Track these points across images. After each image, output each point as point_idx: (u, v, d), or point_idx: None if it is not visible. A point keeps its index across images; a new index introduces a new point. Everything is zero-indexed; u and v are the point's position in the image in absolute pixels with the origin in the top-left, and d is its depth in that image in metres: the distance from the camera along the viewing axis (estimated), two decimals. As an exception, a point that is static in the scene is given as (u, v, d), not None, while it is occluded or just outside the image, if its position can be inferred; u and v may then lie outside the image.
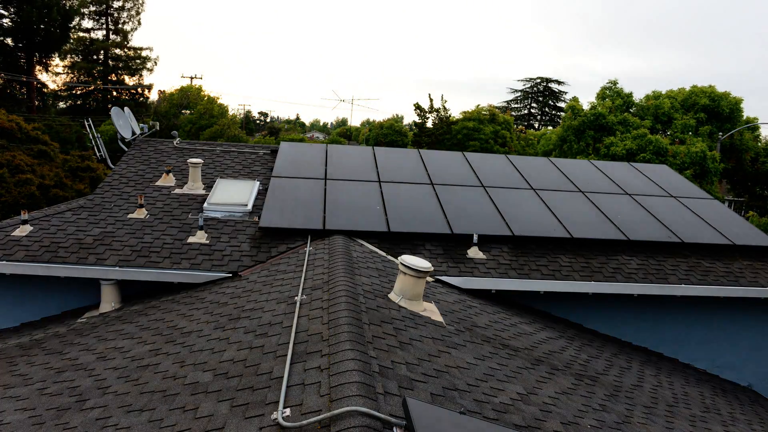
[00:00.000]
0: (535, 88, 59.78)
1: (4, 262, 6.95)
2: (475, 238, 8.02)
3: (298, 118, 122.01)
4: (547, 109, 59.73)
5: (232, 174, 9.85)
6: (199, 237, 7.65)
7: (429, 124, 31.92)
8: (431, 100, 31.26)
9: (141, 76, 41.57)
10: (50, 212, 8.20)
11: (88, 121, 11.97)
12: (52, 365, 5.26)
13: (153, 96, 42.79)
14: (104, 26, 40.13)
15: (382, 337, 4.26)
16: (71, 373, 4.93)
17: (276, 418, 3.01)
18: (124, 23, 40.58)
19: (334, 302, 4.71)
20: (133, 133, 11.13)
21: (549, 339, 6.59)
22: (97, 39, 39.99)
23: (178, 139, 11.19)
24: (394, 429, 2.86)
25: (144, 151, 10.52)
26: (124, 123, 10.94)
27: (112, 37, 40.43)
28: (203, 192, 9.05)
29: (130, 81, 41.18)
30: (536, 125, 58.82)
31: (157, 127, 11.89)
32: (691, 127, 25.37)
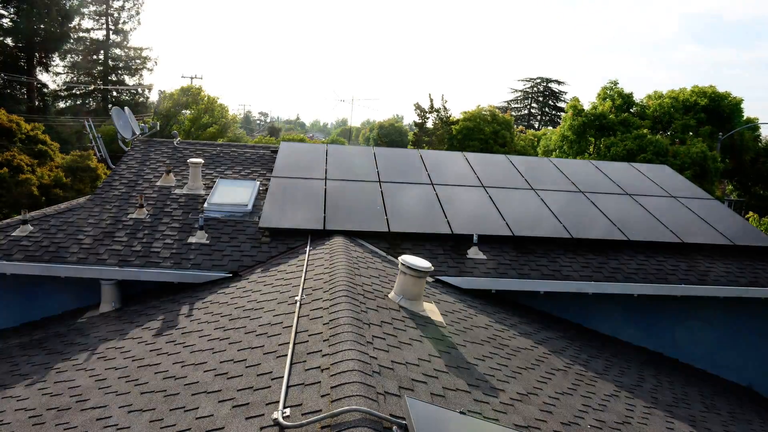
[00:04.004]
0: (535, 88, 59.82)
1: (4, 262, 6.95)
2: (475, 238, 8.02)
3: (298, 118, 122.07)
4: (547, 109, 59.76)
5: (232, 174, 9.86)
6: (200, 237, 7.65)
7: (429, 124, 31.92)
8: (431, 100, 31.26)
9: (141, 76, 41.62)
10: (50, 212, 8.20)
11: (88, 122, 11.97)
12: (52, 365, 5.26)
13: (153, 96, 42.82)
14: (104, 26, 40.13)
15: (382, 337, 4.26)
16: (71, 372, 4.93)
17: (276, 418, 3.02)
18: (124, 23, 40.63)
19: (334, 302, 4.71)
20: (133, 133, 11.12)
21: (549, 339, 6.59)
22: (97, 39, 40.01)
23: (178, 139, 11.19)
24: (394, 429, 2.87)
25: (144, 151, 10.52)
26: (124, 123, 10.94)
27: (112, 37, 40.44)
28: (203, 192, 9.05)
29: (130, 81, 41.21)
30: (536, 125, 58.84)
31: (157, 127, 11.89)
32: (692, 128, 25.39)
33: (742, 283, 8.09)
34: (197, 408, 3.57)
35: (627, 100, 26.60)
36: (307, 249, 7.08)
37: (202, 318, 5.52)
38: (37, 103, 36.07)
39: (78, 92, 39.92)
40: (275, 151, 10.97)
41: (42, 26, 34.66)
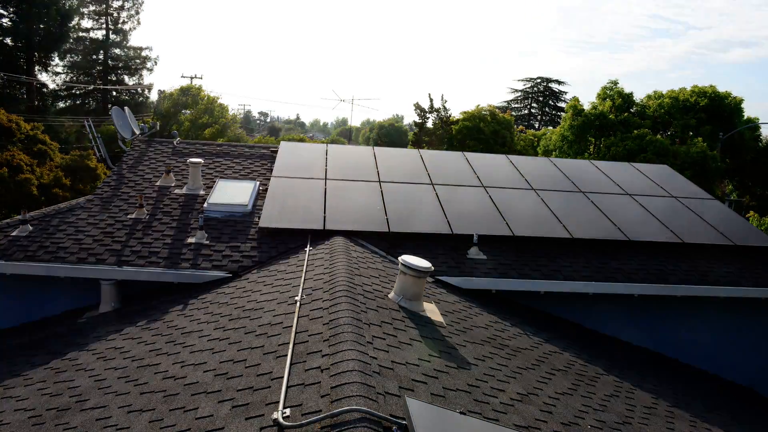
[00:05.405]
0: (535, 88, 59.79)
1: (4, 262, 6.94)
2: (475, 238, 8.01)
3: (298, 118, 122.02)
4: (547, 109, 59.73)
5: (232, 174, 9.85)
6: (199, 237, 7.64)
7: (429, 124, 31.89)
8: (431, 100, 31.21)
9: (141, 76, 41.58)
10: (50, 212, 8.20)
11: (88, 122, 11.97)
12: (52, 365, 5.26)
13: (153, 96, 42.79)
14: (104, 26, 40.09)
15: (382, 337, 4.26)
16: (71, 373, 4.93)
17: (276, 419, 3.01)
18: (123, 23, 40.58)
19: (334, 302, 4.70)
20: (133, 133, 11.11)
21: (549, 339, 6.58)
22: (97, 39, 39.97)
23: (178, 139, 11.19)
24: (394, 429, 2.86)
25: (144, 151, 10.52)
26: (124, 123, 10.93)
27: (111, 36, 40.39)
28: (203, 192, 9.05)
29: (130, 81, 41.18)
30: (536, 125, 58.83)
31: (157, 127, 11.88)
32: (692, 128, 25.40)
33: (742, 284, 8.08)
34: (197, 408, 3.56)
35: (627, 100, 26.60)
36: (307, 249, 7.07)
37: (201, 318, 5.52)
38: (36, 103, 36.00)
39: (77, 92, 39.88)
40: (275, 151, 10.97)
41: (41, 26, 34.64)
